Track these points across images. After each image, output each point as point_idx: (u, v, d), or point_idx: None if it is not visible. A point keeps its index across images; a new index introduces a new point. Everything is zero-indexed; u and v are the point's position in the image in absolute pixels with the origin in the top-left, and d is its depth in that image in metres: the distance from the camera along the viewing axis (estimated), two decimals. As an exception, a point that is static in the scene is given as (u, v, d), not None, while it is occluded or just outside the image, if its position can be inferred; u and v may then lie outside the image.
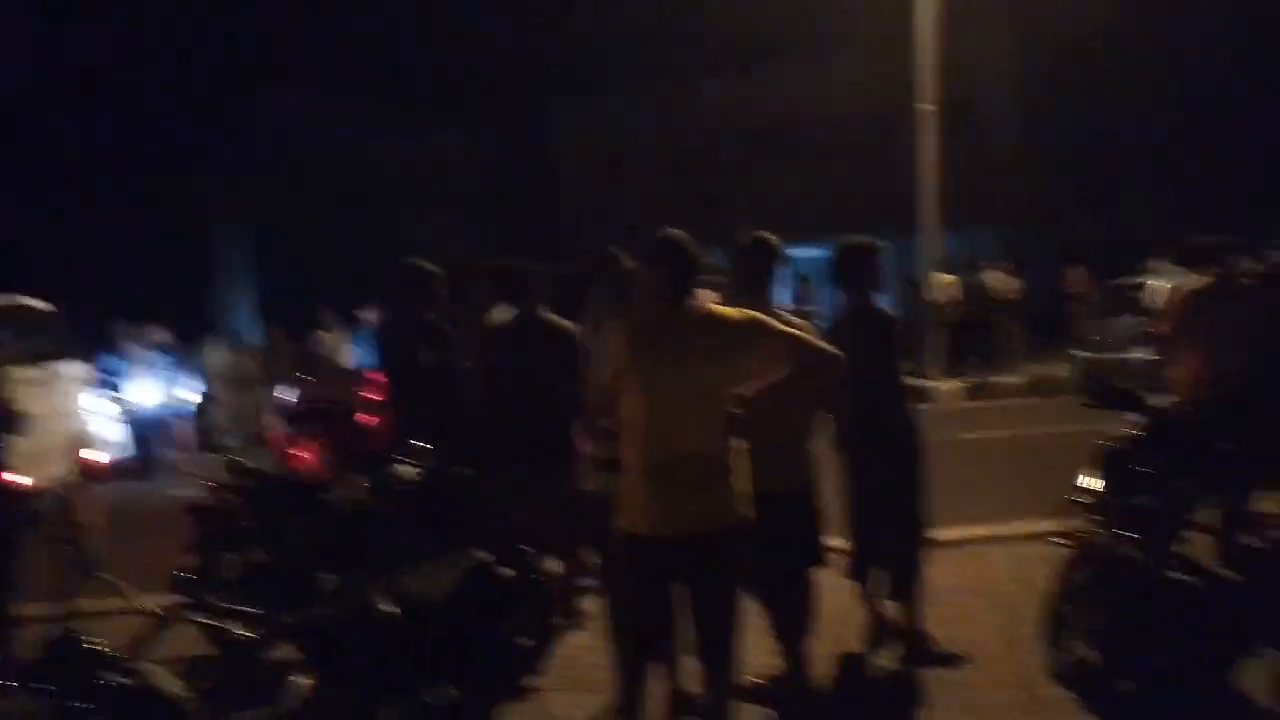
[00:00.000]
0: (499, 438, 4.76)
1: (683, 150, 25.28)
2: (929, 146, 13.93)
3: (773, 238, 3.97)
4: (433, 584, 3.44)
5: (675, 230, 3.25)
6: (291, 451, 7.08)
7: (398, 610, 3.27)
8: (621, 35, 24.57)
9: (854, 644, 4.52)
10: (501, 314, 5.00)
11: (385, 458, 4.23)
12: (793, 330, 3.30)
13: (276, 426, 7.98)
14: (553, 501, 4.65)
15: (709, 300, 3.36)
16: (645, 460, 3.09)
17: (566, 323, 4.92)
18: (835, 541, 4.87)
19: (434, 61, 25.77)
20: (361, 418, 5.85)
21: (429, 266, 5.13)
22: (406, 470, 4.01)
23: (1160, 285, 10.81)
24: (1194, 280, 5.52)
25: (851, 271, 4.39)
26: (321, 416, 7.15)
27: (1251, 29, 20.66)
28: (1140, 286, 11.78)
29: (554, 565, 4.96)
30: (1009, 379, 13.86)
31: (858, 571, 4.47)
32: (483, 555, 3.70)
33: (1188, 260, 5.70)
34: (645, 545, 3.08)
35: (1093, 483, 4.45)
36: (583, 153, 26.51)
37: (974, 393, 13.44)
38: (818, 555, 3.92)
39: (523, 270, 4.99)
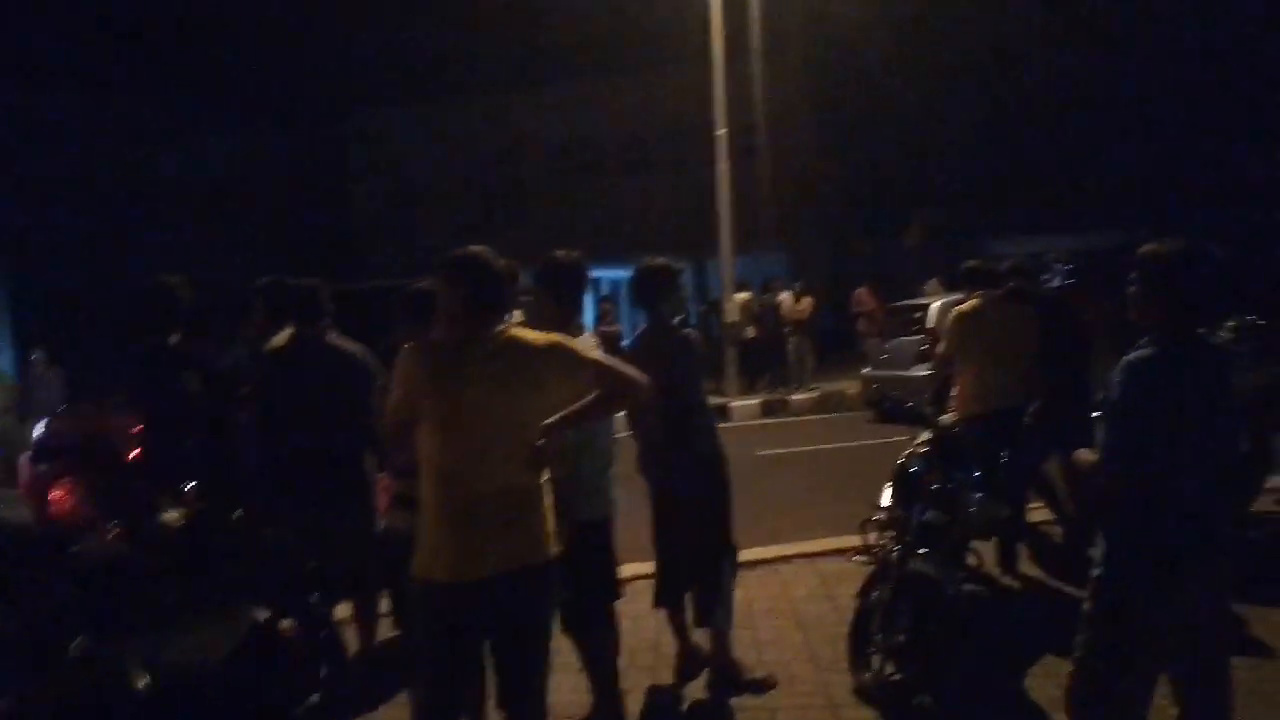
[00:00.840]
0: (279, 475, 4.34)
1: (481, 166, 25.01)
2: (725, 170, 14.32)
3: (577, 257, 3.84)
4: (200, 648, 3.05)
5: (478, 247, 3.01)
6: (42, 495, 6.29)
7: (155, 681, 2.87)
8: (422, 48, 23.98)
9: (665, 674, 4.43)
10: (280, 337, 4.56)
11: (148, 502, 3.77)
12: (598, 355, 3.18)
13: (25, 466, 7.09)
14: (343, 543, 4.30)
15: (516, 323, 3.15)
16: (442, 499, 2.87)
17: (354, 345, 4.56)
18: (642, 568, 4.81)
19: (225, 68, 24.02)
20: (124, 455, 5.25)
21: (176, 283, 4.45)
22: (171, 516, 3.57)
23: (936, 305, 11.53)
24: (967, 301, 5.83)
25: (651, 293, 4.33)
26: (77, 454, 6.41)
27: (1034, 55, 22.55)
28: (918, 307, 12.52)
29: (347, 612, 4.62)
30: (802, 396, 14.40)
31: (666, 599, 4.39)
32: (261, 610, 3.33)
33: (962, 282, 6.01)
34: (444, 592, 2.84)
35: (888, 499, 4.59)
36: (376, 168, 25.71)
37: (769, 410, 13.87)
38: (617, 586, 3.82)
39: (302, 288, 4.52)
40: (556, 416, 2.97)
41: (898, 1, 20.15)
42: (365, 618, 4.64)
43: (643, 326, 4.38)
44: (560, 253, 3.84)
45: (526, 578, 2.87)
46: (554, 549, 2.95)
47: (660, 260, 4.41)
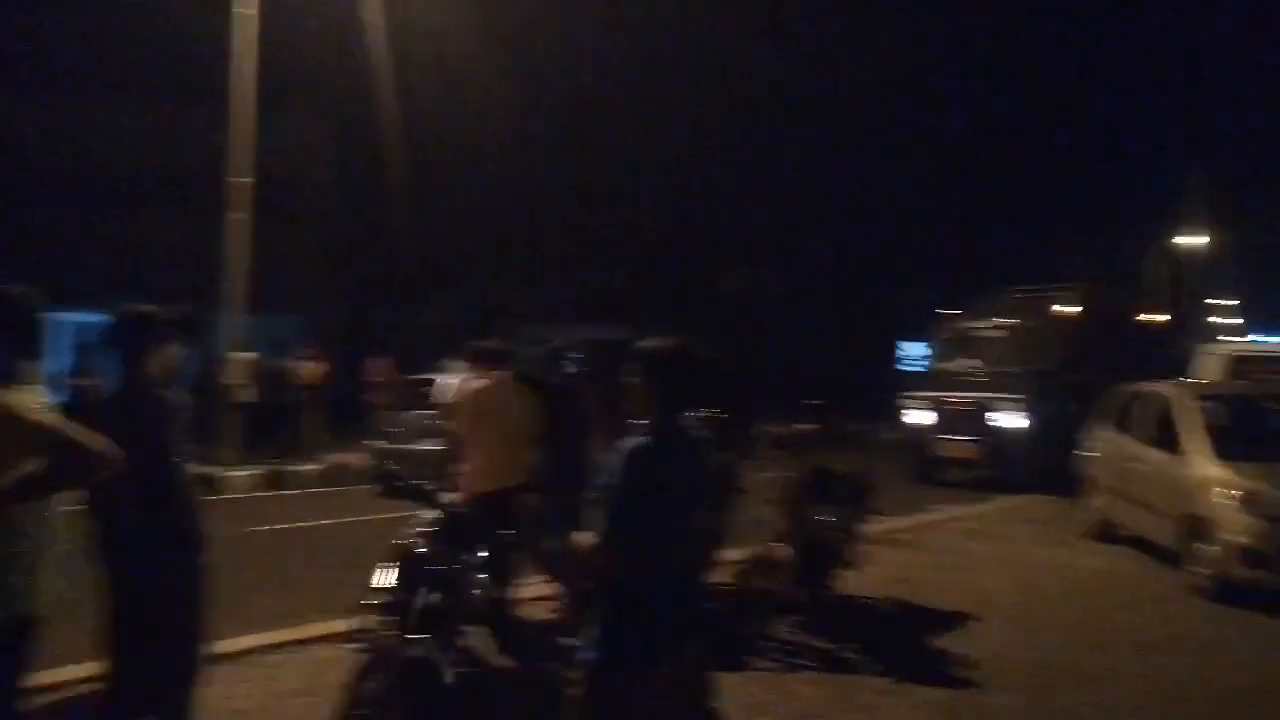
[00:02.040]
0: None
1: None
2: (240, 221, 13.33)
3: (25, 293, 3.18)
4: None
5: None
6: None
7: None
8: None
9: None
10: None
11: None
12: (49, 419, 2.65)
13: None
14: None
15: None
16: None
17: None
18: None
19: None
20: None
21: None
22: None
23: (448, 382, 11.65)
24: (478, 381, 5.91)
25: (131, 343, 3.73)
26: None
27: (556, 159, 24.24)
28: (430, 382, 12.57)
29: None
30: (306, 467, 13.64)
31: (120, 713, 3.68)
32: None
33: (476, 360, 6.09)
34: None
35: (386, 581, 4.36)
36: None
37: (269, 481, 12.92)
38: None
39: None
40: None
41: (438, 78, 20.72)
42: None
43: (118, 381, 3.75)
44: (11, 288, 3.17)
45: None
46: None
47: (146, 305, 3.82)
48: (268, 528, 9.62)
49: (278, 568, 7.85)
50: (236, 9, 13.23)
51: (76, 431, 2.74)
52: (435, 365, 14.37)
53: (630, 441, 2.85)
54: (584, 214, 26.10)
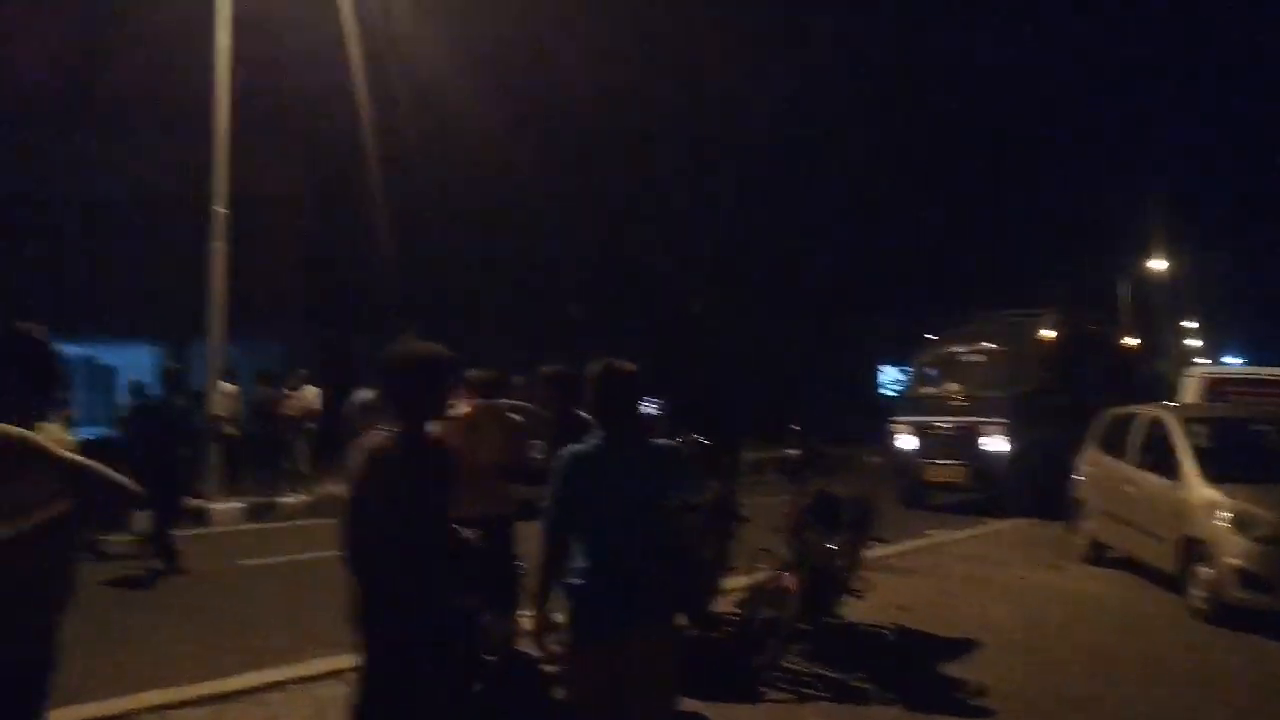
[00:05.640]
0: None
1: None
2: (221, 249, 13.20)
3: (43, 330, 3.12)
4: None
5: None
6: None
7: None
8: None
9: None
10: None
11: None
12: (73, 456, 2.65)
13: None
14: None
15: None
16: None
17: None
18: None
19: None
20: None
21: None
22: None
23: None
24: (464, 407, 5.82)
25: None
26: None
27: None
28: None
29: None
30: (295, 499, 13.44)
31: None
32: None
33: (469, 389, 6.01)
34: None
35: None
36: None
37: (257, 514, 12.73)
38: None
39: None
40: (11, 527, 2.45)
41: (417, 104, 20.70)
42: None
43: None
44: (29, 325, 3.10)
45: None
46: None
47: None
48: (257, 561, 9.44)
49: (273, 602, 7.68)
50: (219, 39, 13.15)
51: (101, 468, 2.69)
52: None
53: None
54: (562, 243, 26.15)
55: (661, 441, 3.57)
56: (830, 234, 31.12)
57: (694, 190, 28.92)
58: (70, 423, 8.77)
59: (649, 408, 10.24)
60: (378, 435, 3.16)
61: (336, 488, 13.47)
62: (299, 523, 12.36)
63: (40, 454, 2.53)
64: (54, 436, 3.06)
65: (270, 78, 17.41)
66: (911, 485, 14.62)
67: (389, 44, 17.34)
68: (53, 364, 3.21)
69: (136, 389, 12.97)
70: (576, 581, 3.22)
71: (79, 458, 2.73)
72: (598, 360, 3.42)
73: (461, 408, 5.80)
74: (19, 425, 2.64)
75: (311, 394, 14.65)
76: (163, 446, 8.91)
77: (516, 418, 6.08)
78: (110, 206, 21.19)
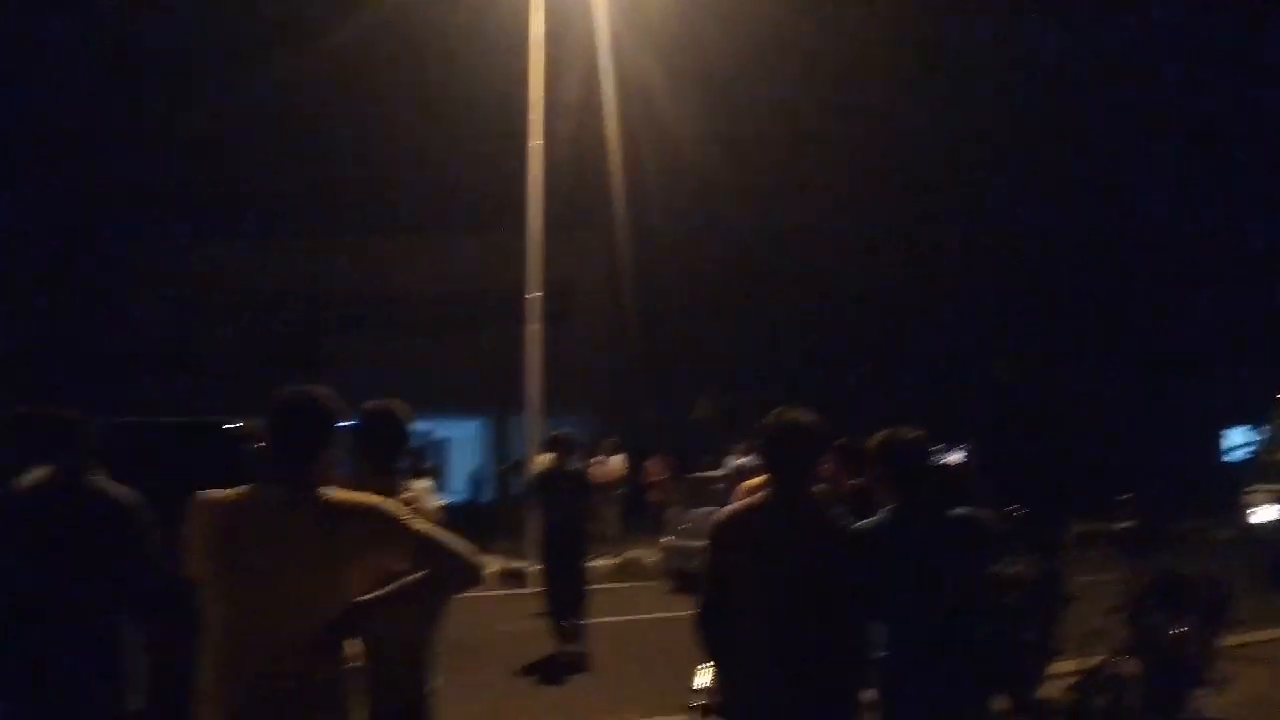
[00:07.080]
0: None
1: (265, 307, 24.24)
2: (537, 332, 14.32)
3: (402, 407, 3.50)
4: None
5: (305, 387, 2.62)
6: None
7: None
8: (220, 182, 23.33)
9: None
10: (34, 475, 3.38)
11: None
12: (425, 527, 2.70)
13: None
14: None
15: (334, 479, 2.67)
16: (221, 689, 2.41)
17: (123, 490, 3.44)
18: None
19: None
20: None
21: None
22: None
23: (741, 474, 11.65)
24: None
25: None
26: None
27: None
28: (722, 478, 12.63)
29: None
30: (602, 562, 14.05)
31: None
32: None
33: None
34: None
35: (707, 681, 4.32)
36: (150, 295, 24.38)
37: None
38: None
39: (59, 418, 3.48)
40: (369, 596, 2.52)
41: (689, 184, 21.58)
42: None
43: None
44: (385, 402, 3.50)
45: None
46: None
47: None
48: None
49: (590, 662, 8.02)
50: (532, 141, 14.47)
51: (450, 540, 2.69)
52: (720, 460, 14.51)
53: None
54: (850, 308, 25.76)
55: (960, 511, 3.35)
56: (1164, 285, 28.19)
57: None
58: (438, 487, 9.73)
59: (954, 455, 9.72)
60: (750, 498, 3.24)
61: (639, 552, 14.03)
62: (603, 586, 12.87)
63: (394, 524, 2.57)
64: (421, 497, 3.41)
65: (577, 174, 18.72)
66: (1275, 563, 12.77)
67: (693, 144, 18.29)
68: (406, 436, 3.60)
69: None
70: (884, 664, 3.13)
71: (428, 530, 2.69)
72: (883, 430, 3.34)
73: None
74: (380, 493, 2.79)
75: (618, 461, 15.31)
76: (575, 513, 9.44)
77: None
78: (440, 301, 23.93)
